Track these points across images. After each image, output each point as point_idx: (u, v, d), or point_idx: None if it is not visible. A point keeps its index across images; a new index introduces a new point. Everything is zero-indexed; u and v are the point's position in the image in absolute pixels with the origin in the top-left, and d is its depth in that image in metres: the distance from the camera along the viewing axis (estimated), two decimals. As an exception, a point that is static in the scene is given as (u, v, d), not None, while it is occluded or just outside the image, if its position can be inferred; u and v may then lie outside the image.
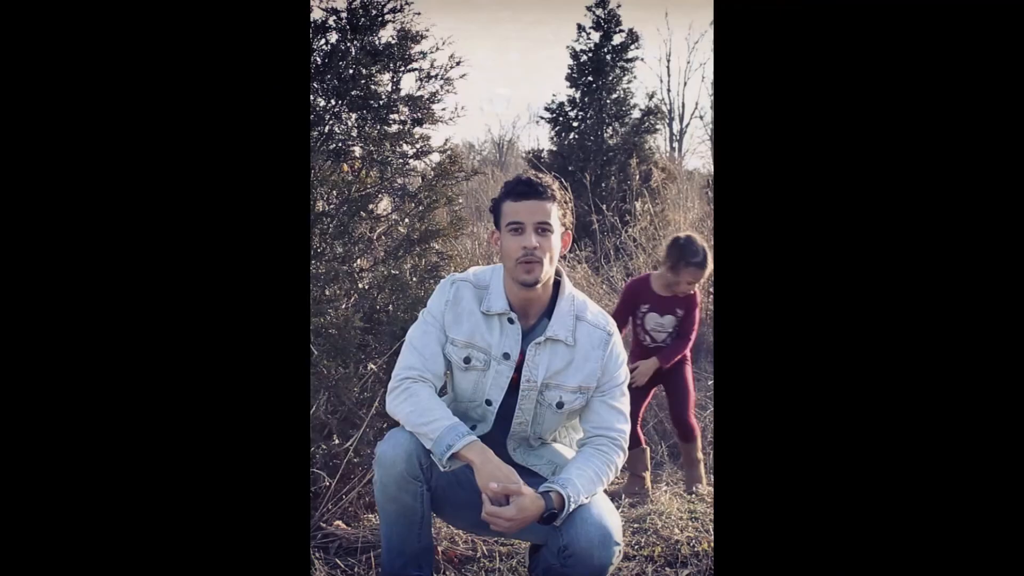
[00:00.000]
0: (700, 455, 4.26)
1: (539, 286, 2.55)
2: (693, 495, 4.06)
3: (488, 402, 2.63)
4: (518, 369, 2.61)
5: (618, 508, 3.48)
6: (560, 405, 2.63)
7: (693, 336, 4.23)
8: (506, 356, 2.59)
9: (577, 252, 7.03)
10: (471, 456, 2.41)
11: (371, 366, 3.52)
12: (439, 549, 3.10)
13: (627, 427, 2.65)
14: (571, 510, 2.43)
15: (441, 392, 2.69)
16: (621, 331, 4.10)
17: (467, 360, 2.61)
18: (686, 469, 4.30)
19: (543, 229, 2.51)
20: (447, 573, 3.02)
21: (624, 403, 2.67)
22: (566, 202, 2.59)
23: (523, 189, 2.53)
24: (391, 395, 2.59)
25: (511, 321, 2.59)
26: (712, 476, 4.36)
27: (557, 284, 2.66)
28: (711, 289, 6.41)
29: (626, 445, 2.64)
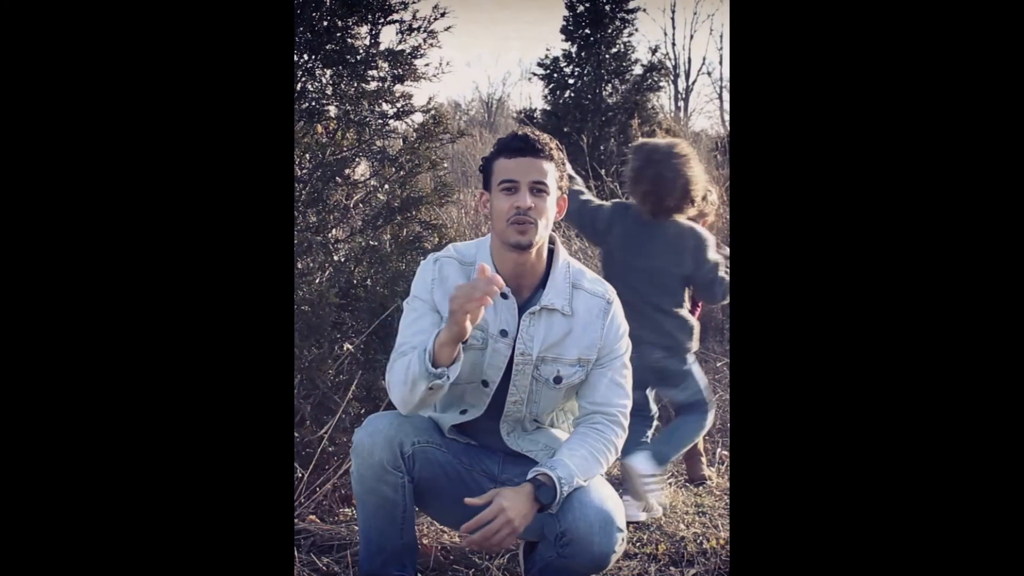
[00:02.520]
0: (701, 446, 4.29)
1: (532, 252, 2.54)
2: (700, 487, 4.08)
3: (484, 383, 2.63)
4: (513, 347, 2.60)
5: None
6: (558, 380, 2.63)
7: (699, 311, 4.23)
8: (503, 333, 2.59)
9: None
10: (443, 335, 2.36)
11: (347, 346, 3.51)
12: (425, 544, 3.10)
13: (628, 403, 2.66)
14: (564, 493, 2.43)
15: None
16: None
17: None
18: (686, 460, 4.32)
19: (538, 189, 2.50)
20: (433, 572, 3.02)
21: (627, 377, 2.68)
22: (563, 163, 2.58)
23: (518, 145, 2.52)
24: (388, 377, 2.58)
25: (504, 296, 2.58)
26: (715, 468, 4.38)
27: (551, 253, 2.65)
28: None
29: (627, 423, 2.65)
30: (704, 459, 4.29)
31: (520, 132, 2.57)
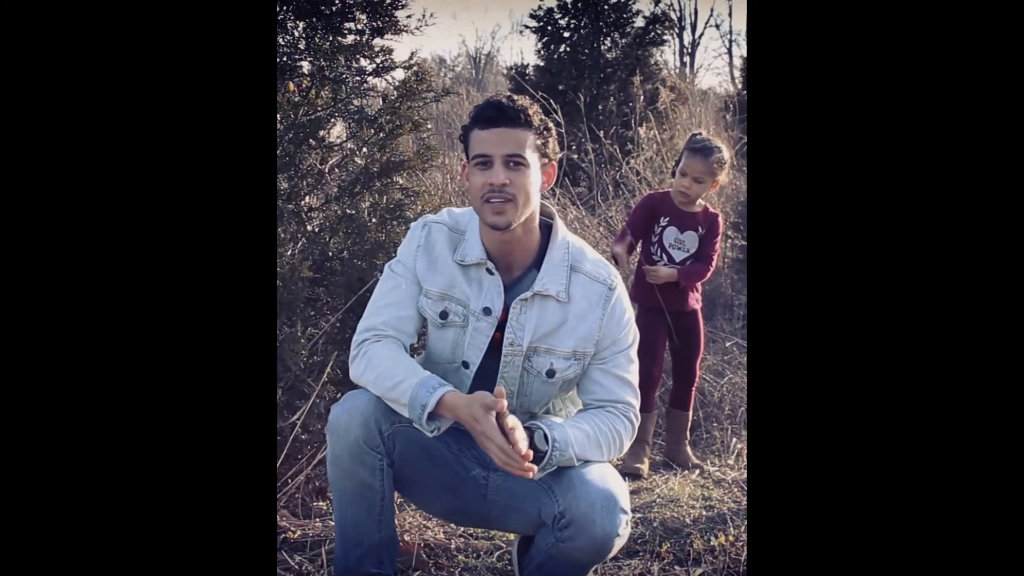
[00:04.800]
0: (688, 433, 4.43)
1: (517, 230, 2.52)
2: (708, 477, 4.10)
3: (465, 364, 2.62)
4: (501, 328, 2.59)
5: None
6: (551, 374, 2.61)
7: (714, 263, 4.37)
8: (487, 311, 2.57)
9: (569, 189, 6.99)
10: (455, 413, 2.39)
11: (322, 324, 3.49)
12: (407, 541, 3.10)
13: (636, 400, 2.64)
14: (554, 457, 2.42)
15: (413, 353, 2.67)
16: (633, 249, 4.30)
17: (444, 315, 2.58)
18: (672, 444, 4.42)
19: (515, 163, 2.47)
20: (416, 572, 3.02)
21: (631, 372, 2.65)
22: (547, 128, 2.56)
23: (491, 114, 2.49)
24: (351, 367, 2.57)
25: (490, 272, 2.57)
26: (722, 457, 4.39)
27: (549, 229, 2.63)
28: (744, 240, 6.43)
29: (636, 421, 2.63)
30: (688, 440, 4.42)
31: (493, 99, 2.53)
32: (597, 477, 2.47)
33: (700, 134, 4.34)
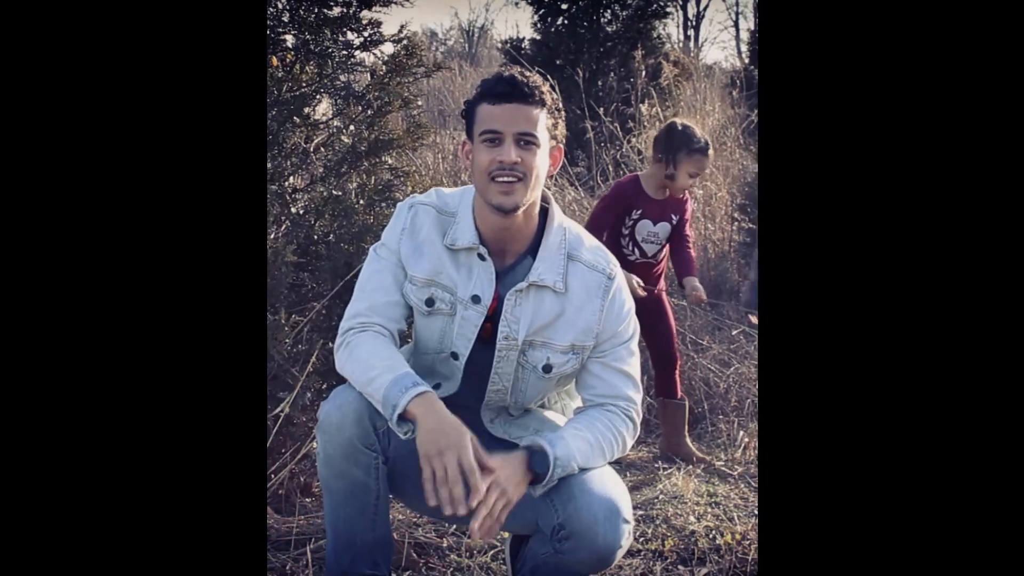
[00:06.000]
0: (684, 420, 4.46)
1: (520, 214, 2.50)
2: (713, 472, 4.11)
3: (454, 355, 2.60)
4: (492, 319, 2.57)
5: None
6: (548, 369, 2.59)
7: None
8: (475, 299, 2.55)
9: (567, 169, 6.99)
10: (416, 413, 2.34)
11: (307, 311, 3.49)
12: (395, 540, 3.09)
13: (638, 395, 2.61)
14: (556, 475, 2.39)
15: (403, 343, 2.66)
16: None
17: (430, 302, 2.56)
18: (671, 437, 4.42)
19: (527, 142, 2.44)
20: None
21: (633, 366, 2.62)
22: (559, 109, 2.53)
23: (504, 89, 2.45)
24: (336, 357, 2.55)
25: (482, 258, 2.54)
26: (728, 451, 4.40)
27: (545, 213, 2.61)
28: (751, 223, 6.43)
29: (638, 418, 2.61)
30: (687, 431, 4.44)
31: (507, 74, 2.49)
32: (598, 485, 2.43)
33: (686, 126, 4.37)
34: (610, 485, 2.45)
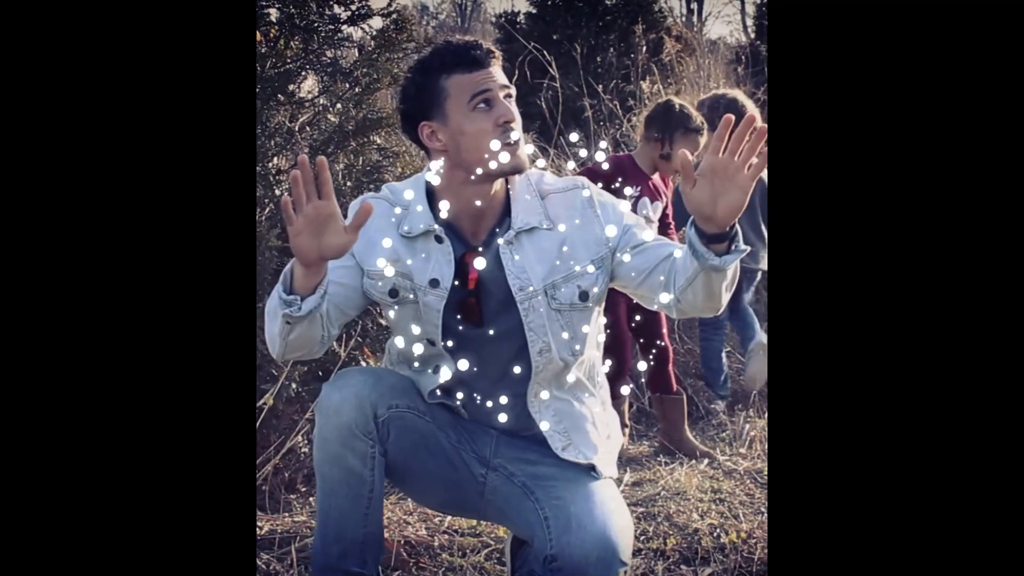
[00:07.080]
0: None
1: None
2: (718, 468, 4.12)
3: (431, 342, 2.58)
4: (475, 294, 2.55)
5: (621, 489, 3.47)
6: (584, 296, 2.56)
7: None
8: (434, 283, 2.54)
9: (565, 149, 6.99)
10: (297, 253, 2.28)
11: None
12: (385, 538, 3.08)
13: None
14: (739, 244, 2.27)
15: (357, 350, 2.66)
16: None
17: (393, 293, 2.55)
18: (671, 433, 4.44)
19: (508, 95, 2.50)
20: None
21: (652, 235, 2.57)
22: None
23: (478, 56, 2.49)
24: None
25: (439, 240, 2.54)
26: (732, 445, 4.40)
27: None
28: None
29: None
30: (687, 425, 4.46)
31: (460, 41, 2.54)
32: (598, 519, 2.42)
33: (683, 106, 4.41)
34: (611, 520, 2.44)
